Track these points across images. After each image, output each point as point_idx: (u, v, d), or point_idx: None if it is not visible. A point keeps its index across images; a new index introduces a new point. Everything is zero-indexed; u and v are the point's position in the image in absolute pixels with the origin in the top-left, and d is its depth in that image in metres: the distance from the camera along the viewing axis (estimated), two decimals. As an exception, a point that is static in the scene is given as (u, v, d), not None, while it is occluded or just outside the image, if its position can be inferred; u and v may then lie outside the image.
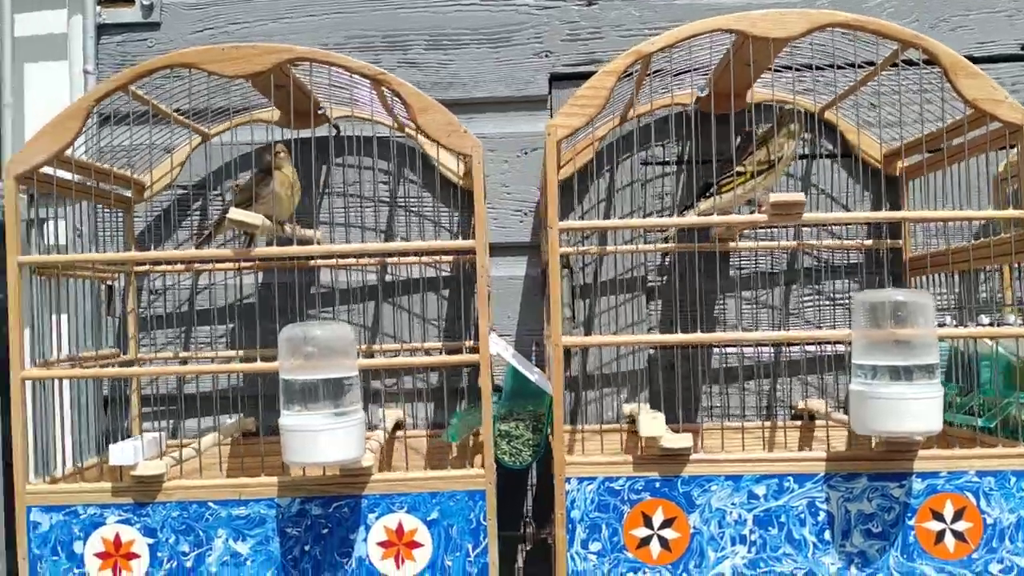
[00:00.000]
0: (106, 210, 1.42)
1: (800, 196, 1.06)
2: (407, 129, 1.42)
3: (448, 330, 1.47)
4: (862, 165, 1.43)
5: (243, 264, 1.42)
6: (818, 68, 1.34)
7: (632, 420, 1.42)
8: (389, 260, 1.44)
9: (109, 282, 1.35)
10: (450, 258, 1.45)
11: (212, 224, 1.29)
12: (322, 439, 1.02)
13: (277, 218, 1.27)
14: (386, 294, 1.47)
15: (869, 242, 1.43)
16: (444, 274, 1.47)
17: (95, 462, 1.27)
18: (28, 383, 1.12)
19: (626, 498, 1.09)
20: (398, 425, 1.45)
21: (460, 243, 1.20)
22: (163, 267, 1.44)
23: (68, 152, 1.13)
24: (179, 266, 1.43)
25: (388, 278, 1.48)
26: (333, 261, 1.43)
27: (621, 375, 1.46)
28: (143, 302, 1.47)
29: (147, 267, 1.44)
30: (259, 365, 1.14)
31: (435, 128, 1.11)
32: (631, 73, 1.15)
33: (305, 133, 1.44)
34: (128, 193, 1.41)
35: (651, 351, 1.46)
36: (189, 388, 1.48)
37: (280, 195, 1.27)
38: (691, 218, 1.27)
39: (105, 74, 1.48)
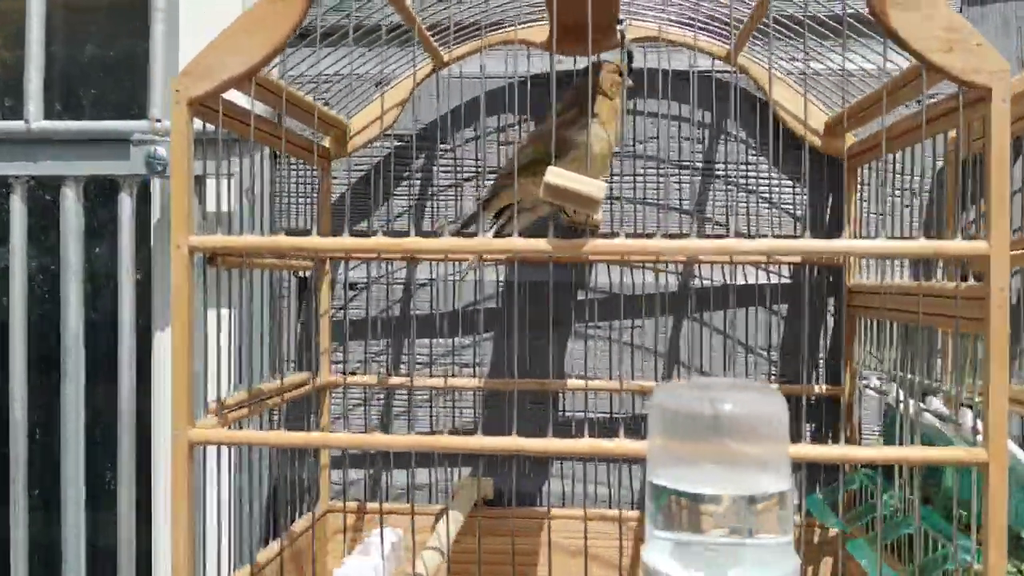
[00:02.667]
0: (296, 164, 0.97)
1: None
2: (742, 58, 0.93)
3: (783, 363, 0.98)
4: None
5: (493, 256, 0.96)
6: None
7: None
8: (705, 259, 0.96)
9: (303, 273, 0.91)
10: (793, 260, 0.96)
11: (482, 198, 0.82)
12: (737, 609, 0.55)
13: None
14: (686, 306, 0.99)
15: None
16: (783, 281, 0.98)
17: (270, 556, 0.83)
18: (198, 450, 0.68)
19: None
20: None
21: (951, 245, 0.68)
22: (370, 255, 0.99)
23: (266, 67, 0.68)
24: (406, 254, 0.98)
25: (695, 282, 0.99)
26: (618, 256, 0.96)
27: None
28: (336, 300, 1.03)
29: (344, 255, 0.99)
30: (586, 443, 0.66)
31: (921, 34, 0.61)
32: None
33: (585, 63, 0.96)
34: (326, 143, 0.97)
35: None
36: (398, 423, 1.03)
37: (606, 142, 0.80)
38: None
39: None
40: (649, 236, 0.97)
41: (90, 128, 1.05)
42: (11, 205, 1.08)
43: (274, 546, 0.83)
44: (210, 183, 1.05)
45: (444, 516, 0.84)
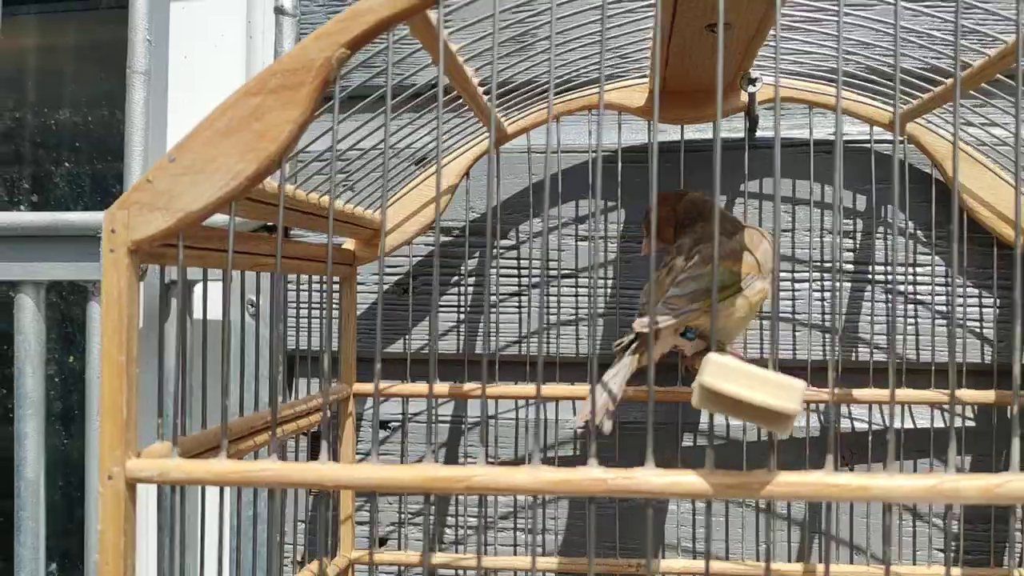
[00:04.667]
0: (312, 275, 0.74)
1: None
2: (916, 124, 0.69)
3: (967, 538, 0.72)
4: None
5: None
6: None
7: None
8: (862, 399, 0.70)
9: (315, 428, 0.67)
10: (984, 400, 0.70)
11: (649, 327, 0.57)
12: None
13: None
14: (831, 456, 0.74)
15: None
16: (966, 424, 0.72)
17: None
18: None
19: None
20: None
21: None
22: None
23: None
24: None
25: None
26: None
27: None
28: (360, 442, 0.79)
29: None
30: None
31: None
32: None
33: (694, 132, 0.72)
34: (348, 244, 0.73)
35: None
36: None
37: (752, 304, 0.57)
38: None
39: (314, 16, 0.79)
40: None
41: (54, 221, 0.82)
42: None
43: None
44: (198, 290, 0.82)
45: None
